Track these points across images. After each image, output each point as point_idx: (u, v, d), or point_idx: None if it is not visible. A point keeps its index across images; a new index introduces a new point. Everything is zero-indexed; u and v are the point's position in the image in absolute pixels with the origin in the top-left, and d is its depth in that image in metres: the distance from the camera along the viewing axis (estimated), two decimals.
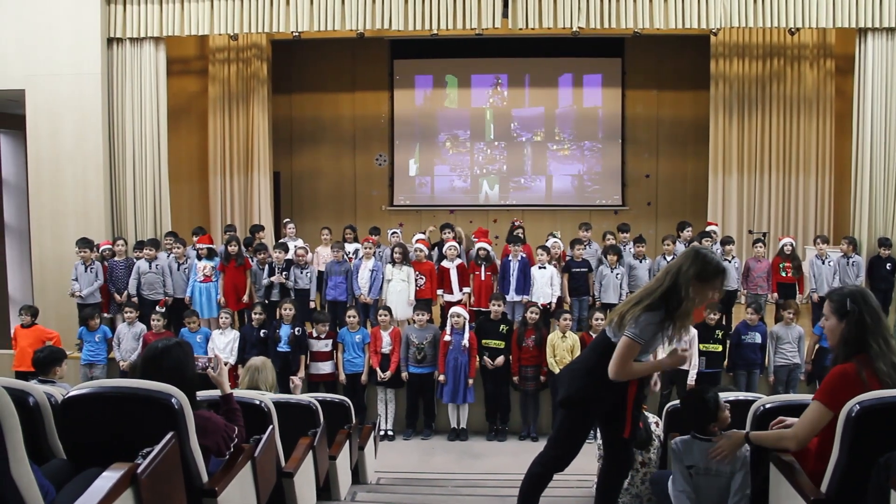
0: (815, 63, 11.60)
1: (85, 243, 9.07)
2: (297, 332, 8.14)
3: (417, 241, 9.55)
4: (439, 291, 9.02)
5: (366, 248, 9.21)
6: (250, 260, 9.21)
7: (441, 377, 8.04)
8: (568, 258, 9.18)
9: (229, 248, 9.11)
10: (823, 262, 9.16)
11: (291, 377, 8.02)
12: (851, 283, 9.04)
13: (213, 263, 9.16)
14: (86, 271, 8.99)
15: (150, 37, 10.13)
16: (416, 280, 8.92)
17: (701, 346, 7.84)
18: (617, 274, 8.84)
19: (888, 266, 9.42)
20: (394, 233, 10.04)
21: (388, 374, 8.15)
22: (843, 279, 9.11)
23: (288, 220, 10.82)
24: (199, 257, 9.22)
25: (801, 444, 2.98)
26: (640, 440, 4.51)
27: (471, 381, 7.99)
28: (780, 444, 3.10)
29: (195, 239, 9.62)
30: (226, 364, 8.01)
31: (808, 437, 2.95)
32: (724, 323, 8.13)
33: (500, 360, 8.01)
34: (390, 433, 8.25)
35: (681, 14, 9.73)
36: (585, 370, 3.59)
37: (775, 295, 9.08)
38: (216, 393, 3.53)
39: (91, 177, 9.98)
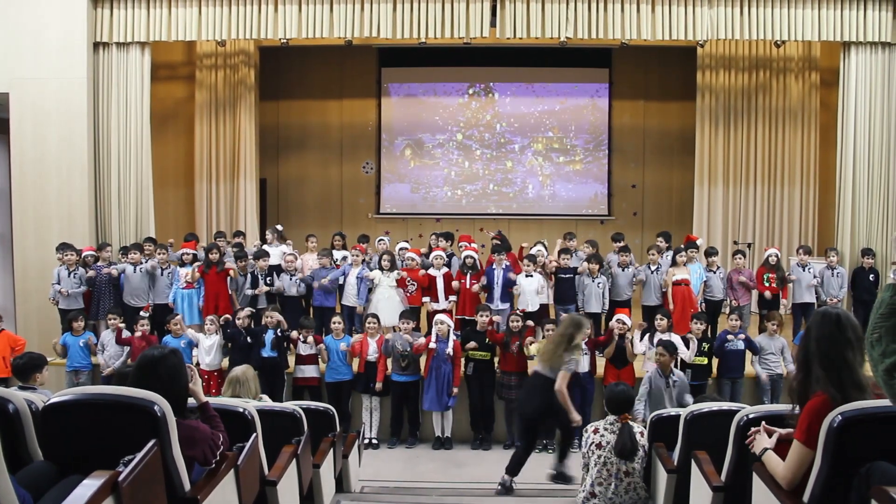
0: (801, 76, 11.71)
1: (67, 247, 8.93)
2: (279, 333, 8.07)
3: (401, 249, 9.53)
4: (426, 299, 9.01)
5: (353, 256, 9.19)
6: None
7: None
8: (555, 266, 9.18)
9: (210, 256, 9.03)
10: (804, 271, 9.23)
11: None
12: (832, 295, 9.12)
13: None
14: (69, 276, 8.85)
15: (137, 42, 10.11)
16: (406, 286, 8.92)
17: None
18: (598, 283, 8.86)
19: (871, 277, 9.50)
20: (380, 240, 10.01)
21: (379, 384, 8.09)
22: (828, 290, 9.17)
23: (278, 226, 10.74)
24: (184, 263, 9.14)
25: (791, 486, 2.94)
26: (625, 450, 4.57)
27: (455, 391, 7.96)
28: (774, 476, 3.07)
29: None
30: (209, 366, 8.00)
31: (797, 477, 2.92)
32: (709, 336, 8.15)
33: (472, 344, 7.98)
34: (375, 441, 8.19)
35: (668, 25, 9.82)
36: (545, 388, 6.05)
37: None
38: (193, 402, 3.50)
39: (75, 182, 9.90)
